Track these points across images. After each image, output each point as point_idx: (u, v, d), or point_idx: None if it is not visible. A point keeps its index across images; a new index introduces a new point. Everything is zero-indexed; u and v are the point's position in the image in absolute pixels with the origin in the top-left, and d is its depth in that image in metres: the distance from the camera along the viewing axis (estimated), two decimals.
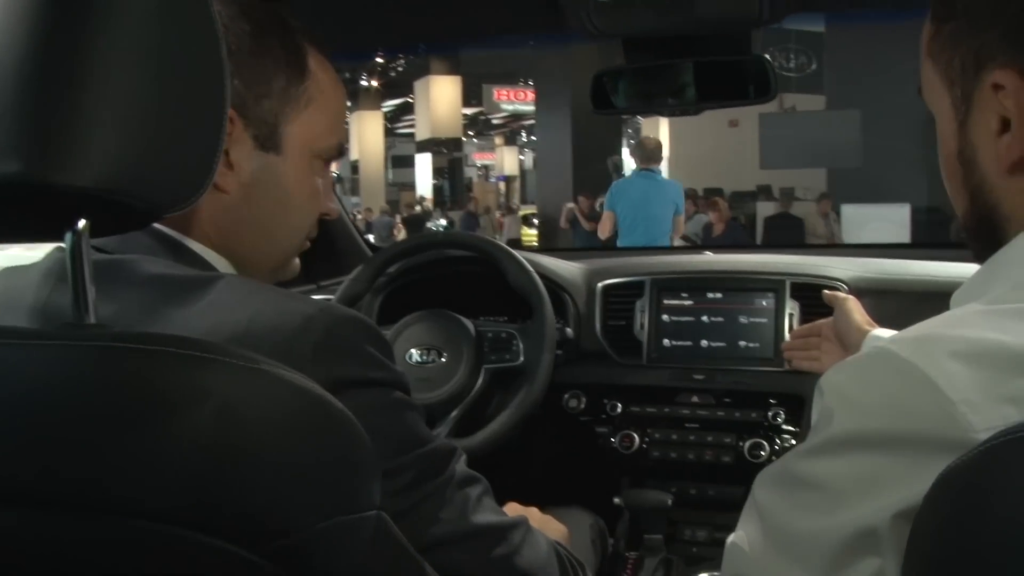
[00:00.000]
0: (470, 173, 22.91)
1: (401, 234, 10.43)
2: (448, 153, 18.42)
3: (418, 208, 13.74)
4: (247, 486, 0.41)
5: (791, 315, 1.24)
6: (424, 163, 18.48)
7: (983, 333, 0.44)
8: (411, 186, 19.14)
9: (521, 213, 11.89)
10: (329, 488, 0.44)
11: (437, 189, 18.65)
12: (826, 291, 1.11)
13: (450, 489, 0.57)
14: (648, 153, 4.39)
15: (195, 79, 0.44)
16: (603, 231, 4.72)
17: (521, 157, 24.90)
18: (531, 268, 1.24)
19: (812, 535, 0.46)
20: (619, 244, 4.48)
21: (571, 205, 8.21)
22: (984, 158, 0.51)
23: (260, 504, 0.41)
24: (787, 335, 1.25)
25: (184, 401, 0.41)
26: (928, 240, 5.78)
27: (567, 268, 1.42)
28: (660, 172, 4.75)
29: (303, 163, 0.63)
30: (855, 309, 1.02)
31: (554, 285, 1.34)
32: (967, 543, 0.37)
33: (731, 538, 0.54)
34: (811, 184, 8.14)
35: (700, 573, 1.17)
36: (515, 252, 1.26)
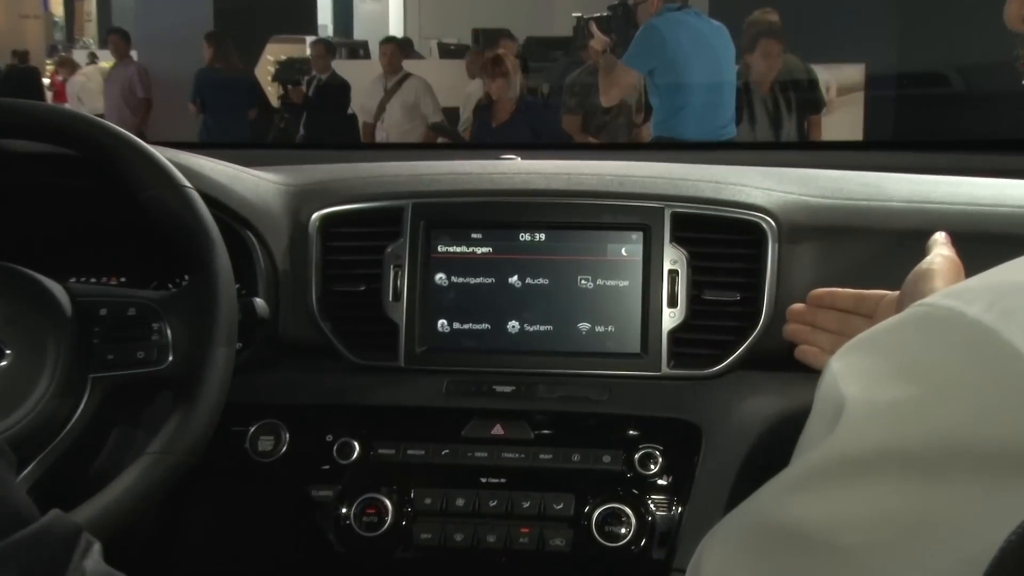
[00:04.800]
0: None
1: None
2: None
3: None
4: None
5: (673, 273, 1.33)
6: None
7: None
8: None
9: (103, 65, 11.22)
10: None
11: None
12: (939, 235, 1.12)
13: None
14: None
15: None
16: (608, 95, 4.93)
17: None
18: (186, 181, 1.20)
19: None
20: (656, 135, 4.61)
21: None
22: None
23: None
24: (666, 308, 1.33)
25: None
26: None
27: (252, 184, 1.40)
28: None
29: None
30: (952, 269, 1.04)
31: (229, 215, 1.32)
32: None
33: None
34: None
35: None
36: (150, 147, 1.21)
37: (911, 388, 0.50)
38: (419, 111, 6.88)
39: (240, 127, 7.44)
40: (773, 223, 1.34)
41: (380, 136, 6.99)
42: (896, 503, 0.48)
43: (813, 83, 5.37)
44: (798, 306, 1.25)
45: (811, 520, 0.51)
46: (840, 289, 1.20)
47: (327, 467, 1.34)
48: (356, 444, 1.34)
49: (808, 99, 5.35)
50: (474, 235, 1.38)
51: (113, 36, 8.87)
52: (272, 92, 8.29)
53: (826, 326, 1.20)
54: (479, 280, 1.38)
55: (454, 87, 7.37)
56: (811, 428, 0.55)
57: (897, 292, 1.09)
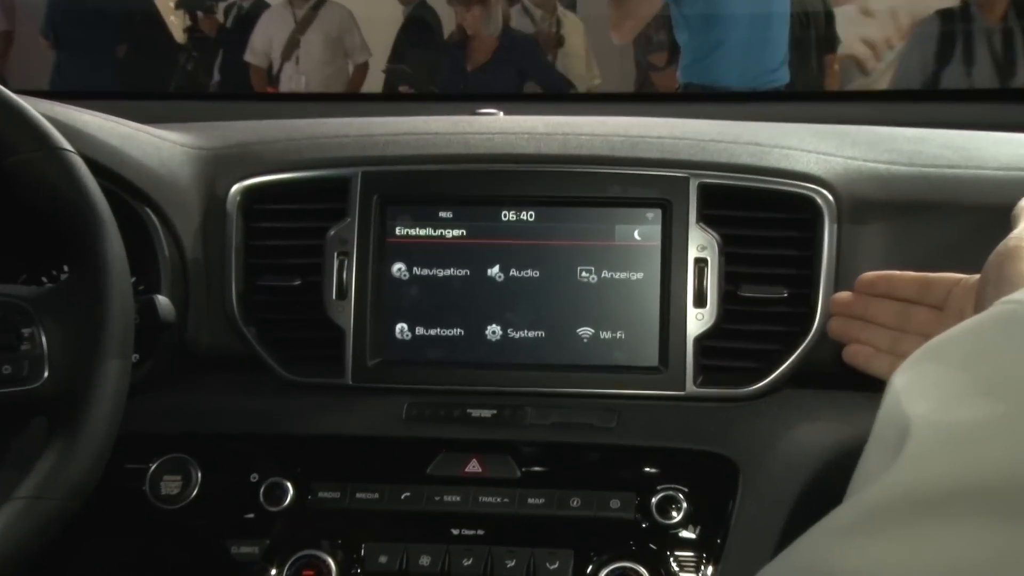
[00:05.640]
0: None
1: None
2: None
3: None
4: None
5: (701, 262, 1.33)
6: None
7: None
8: None
9: None
10: None
11: None
12: None
13: None
14: None
15: None
16: (621, 29, 4.94)
17: None
18: (66, 143, 1.19)
19: None
20: (684, 81, 4.63)
21: None
22: None
23: None
24: (692, 308, 1.33)
25: None
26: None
27: (152, 146, 1.40)
28: None
29: None
30: None
31: (122, 187, 1.32)
32: None
33: None
34: None
35: None
36: (16, 97, 1.20)
37: (995, 407, 0.50)
38: (342, 47, 6.82)
39: (105, 71, 7.31)
40: (831, 197, 1.34)
41: (291, 83, 6.86)
42: (974, 551, 0.48)
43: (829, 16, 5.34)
44: (844, 295, 1.25)
45: (867, 571, 0.51)
46: (899, 272, 1.20)
47: (251, 516, 1.34)
48: (289, 486, 1.34)
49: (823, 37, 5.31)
50: (442, 213, 1.38)
51: None
52: (176, 23, 8.18)
53: (881, 320, 1.21)
54: (449, 272, 1.38)
55: None
56: (869, 457, 0.56)
57: (975, 276, 1.09)
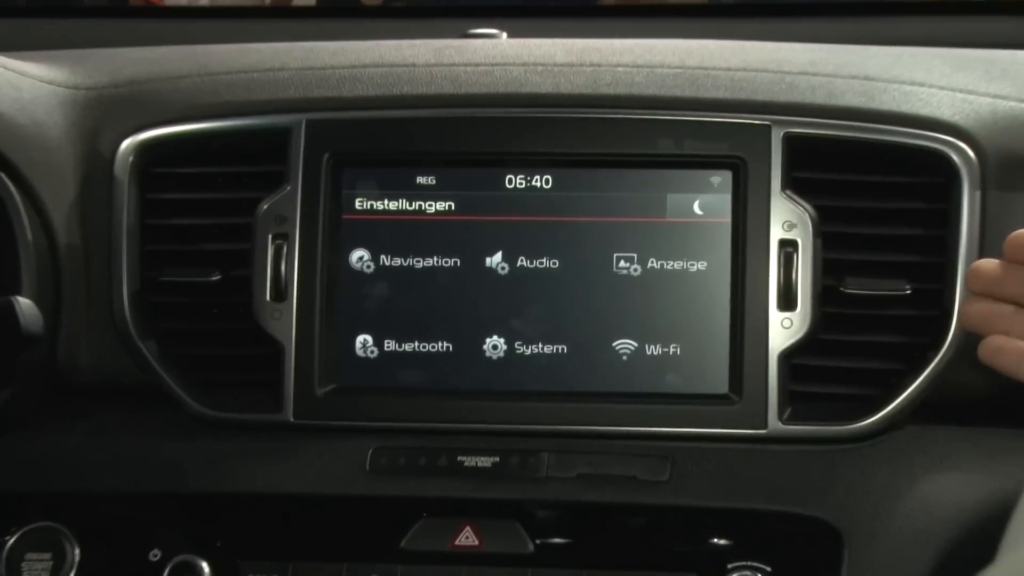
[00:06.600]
0: None
1: None
2: None
3: None
4: None
5: (789, 246, 1.30)
6: None
7: None
8: None
9: None
10: None
11: None
12: None
13: None
14: None
15: None
16: None
17: None
18: None
19: None
20: None
21: None
22: None
23: None
24: (777, 312, 1.30)
25: None
26: None
27: (8, 84, 1.37)
28: None
29: None
30: None
31: None
32: None
33: None
34: None
35: None
36: None
37: None
38: None
39: None
40: (972, 154, 1.31)
41: None
42: None
43: None
44: (988, 264, 1.18)
45: None
46: None
47: None
48: (205, 567, 1.32)
49: None
50: (421, 179, 1.36)
51: None
52: None
53: None
54: (432, 262, 1.35)
55: None
56: None
57: None
